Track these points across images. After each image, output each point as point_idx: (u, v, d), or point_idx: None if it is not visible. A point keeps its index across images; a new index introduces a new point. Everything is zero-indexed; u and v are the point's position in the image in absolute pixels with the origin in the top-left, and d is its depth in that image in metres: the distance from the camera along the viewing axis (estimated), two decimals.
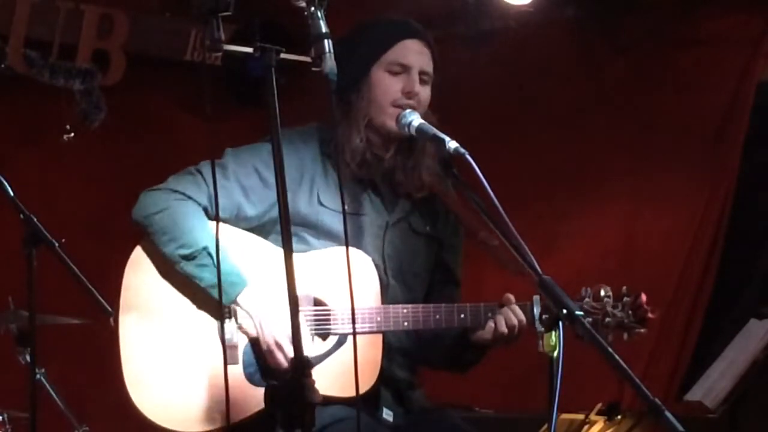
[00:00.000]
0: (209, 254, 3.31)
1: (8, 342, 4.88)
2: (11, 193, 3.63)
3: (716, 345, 5.36)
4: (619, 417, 4.78)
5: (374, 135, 3.49)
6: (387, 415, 3.45)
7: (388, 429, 3.45)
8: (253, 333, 3.35)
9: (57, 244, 3.60)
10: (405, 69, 3.48)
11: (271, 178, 3.40)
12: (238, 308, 3.34)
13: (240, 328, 3.36)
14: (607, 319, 3.37)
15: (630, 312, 3.39)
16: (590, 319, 3.34)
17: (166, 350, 3.37)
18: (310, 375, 2.64)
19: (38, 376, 4.70)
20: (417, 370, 3.62)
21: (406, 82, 3.48)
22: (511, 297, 3.41)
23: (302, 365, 2.63)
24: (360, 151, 3.45)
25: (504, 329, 3.37)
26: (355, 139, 3.44)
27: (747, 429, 4.96)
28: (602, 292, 3.39)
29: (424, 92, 3.51)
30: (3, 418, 4.75)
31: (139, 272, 3.43)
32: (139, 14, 6.24)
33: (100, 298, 3.68)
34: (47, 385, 4.92)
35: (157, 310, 3.40)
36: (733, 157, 5.86)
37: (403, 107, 3.45)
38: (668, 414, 2.62)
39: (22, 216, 3.58)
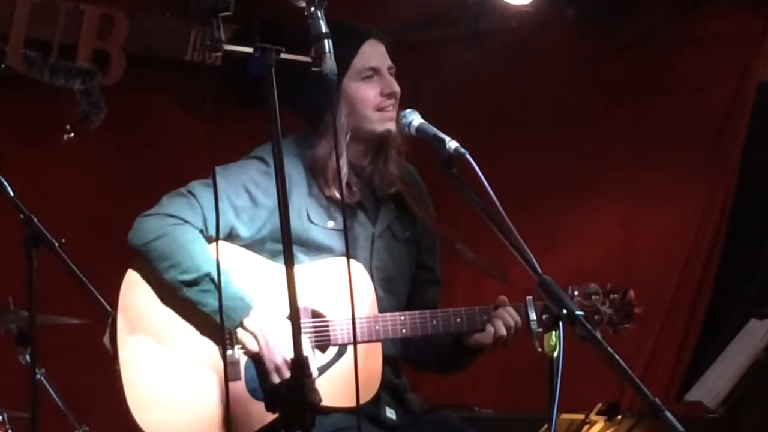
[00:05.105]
0: (212, 280, 3.26)
1: (8, 342, 4.88)
2: (11, 193, 3.64)
3: (716, 345, 5.36)
4: (619, 417, 4.79)
5: (356, 145, 3.48)
6: (390, 413, 3.45)
7: (390, 430, 3.44)
8: (255, 350, 3.32)
9: (57, 244, 3.60)
10: (375, 71, 3.48)
11: (261, 198, 3.39)
12: (240, 329, 3.30)
13: (242, 348, 3.33)
14: (597, 317, 3.39)
15: (618, 308, 3.41)
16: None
17: (168, 370, 3.33)
18: (310, 375, 2.64)
19: (38, 376, 4.70)
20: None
21: (383, 84, 3.47)
22: (505, 299, 3.41)
23: (302, 366, 2.63)
24: (342, 169, 3.40)
25: (503, 331, 3.37)
26: (337, 158, 3.37)
27: (747, 429, 4.97)
28: (590, 290, 3.40)
29: (397, 87, 3.50)
30: (3, 418, 4.74)
31: (135, 294, 3.37)
32: (139, 14, 6.24)
33: (100, 298, 3.68)
34: (47, 385, 4.91)
35: (157, 331, 3.35)
36: (733, 156, 5.86)
37: (385, 108, 3.46)
38: (668, 414, 2.62)
39: (22, 216, 3.59)
